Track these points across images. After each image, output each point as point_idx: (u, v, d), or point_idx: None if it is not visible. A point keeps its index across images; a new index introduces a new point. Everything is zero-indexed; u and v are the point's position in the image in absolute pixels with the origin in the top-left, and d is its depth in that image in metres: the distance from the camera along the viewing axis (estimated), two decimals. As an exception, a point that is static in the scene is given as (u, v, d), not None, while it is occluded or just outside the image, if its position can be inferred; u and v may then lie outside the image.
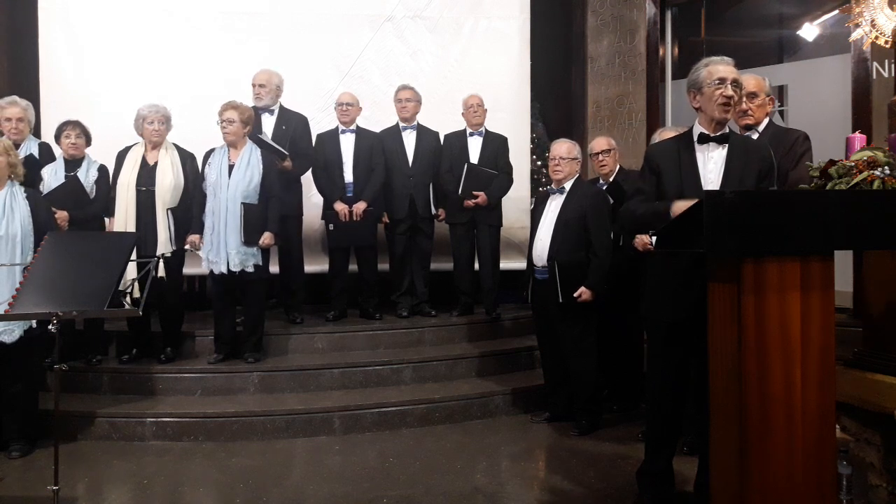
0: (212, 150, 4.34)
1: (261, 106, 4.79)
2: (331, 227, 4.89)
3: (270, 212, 4.28)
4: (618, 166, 4.25)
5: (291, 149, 4.73)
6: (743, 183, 2.59)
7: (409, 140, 5.08)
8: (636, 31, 5.89)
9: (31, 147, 4.27)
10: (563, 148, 3.94)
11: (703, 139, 2.66)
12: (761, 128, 3.35)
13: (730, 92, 2.59)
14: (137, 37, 5.42)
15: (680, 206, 2.47)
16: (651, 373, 2.88)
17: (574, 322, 3.86)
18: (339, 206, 4.82)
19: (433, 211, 5.15)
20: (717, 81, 2.59)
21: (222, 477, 3.37)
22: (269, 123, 4.82)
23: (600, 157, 4.22)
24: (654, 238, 3.05)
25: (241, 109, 4.25)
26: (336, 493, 3.15)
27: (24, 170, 3.65)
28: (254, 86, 4.78)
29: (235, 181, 4.17)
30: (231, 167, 4.21)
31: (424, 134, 5.12)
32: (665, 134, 3.70)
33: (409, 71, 5.64)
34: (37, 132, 5.05)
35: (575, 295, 3.77)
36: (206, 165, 4.29)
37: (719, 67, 2.61)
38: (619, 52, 5.93)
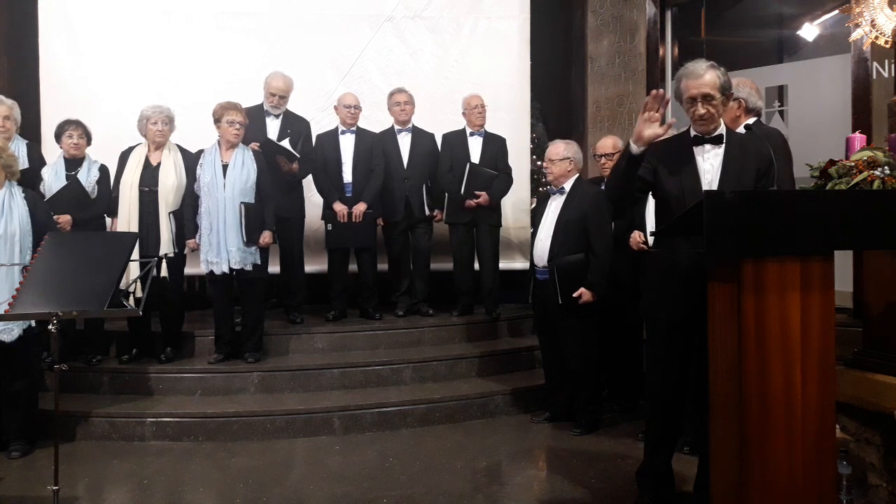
0: (201, 151, 4.35)
1: (273, 112, 4.81)
2: (329, 227, 4.89)
3: (267, 211, 4.30)
4: None
5: (298, 152, 4.74)
6: (741, 182, 2.58)
7: (405, 142, 5.08)
8: (636, 31, 5.89)
9: (19, 147, 4.23)
10: (551, 150, 3.99)
11: (698, 141, 2.66)
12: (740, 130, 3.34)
13: (701, 111, 2.57)
14: (138, 37, 5.42)
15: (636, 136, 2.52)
16: (651, 372, 2.87)
17: (575, 322, 3.86)
18: (339, 207, 4.82)
19: (427, 212, 5.14)
20: (688, 101, 2.59)
21: (222, 477, 3.37)
22: (273, 127, 4.82)
23: (602, 160, 4.22)
24: (651, 238, 3.06)
25: (243, 111, 4.31)
26: (336, 493, 3.15)
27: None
28: (273, 95, 4.76)
29: (232, 181, 4.18)
30: (225, 167, 4.21)
31: (419, 136, 5.13)
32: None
33: (409, 71, 5.64)
34: (37, 132, 5.07)
35: (575, 295, 3.77)
36: (198, 166, 4.28)
37: (690, 83, 2.58)
38: (619, 52, 5.92)
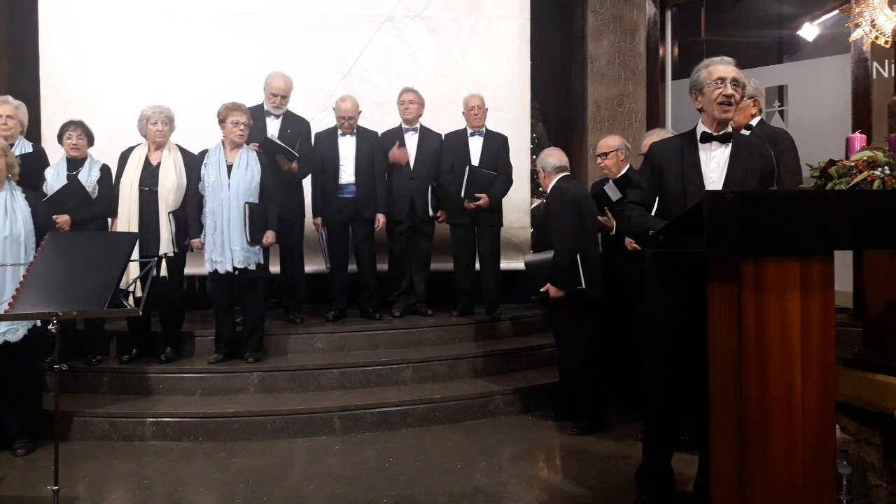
0: (205, 151, 4.35)
1: (275, 113, 4.82)
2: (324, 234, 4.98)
3: (270, 211, 4.32)
4: (627, 166, 4.22)
5: (297, 152, 4.74)
6: (746, 183, 2.58)
7: (412, 142, 5.08)
8: (636, 31, 5.89)
9: (24, 148, 4.25)
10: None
11: (706, 138, 2.66)
12: (746, 131, 3.37)
13: (729, 91, 2.59)
14: (138, 37, 5.43)
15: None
16: (651, 372, 2.87)
17: (564, 318, 3.92)
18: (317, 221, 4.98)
19: (431, 213, 5.14)
20: (716, 81, 2.60)
21: (222, 477, 3.37)
22: (273, 126, 4.82)
23: (598, 160, 4.26)
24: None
25: (247, 112, 4.32)
26: (336, 493, 3.15)
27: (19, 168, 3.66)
28: (275, 96, 4.77)
29: (236, 180, 4.19)
30: (230, 167, 4.22)
31: (427, 136, 5.12)
32: (652, 138, 3.70)
33: (409, 71, 5.65)
34: (37, 133, 5.07)
35: (542, 291, 3.85)
36: (202, 166, 4.29)
37: (719, 67, 2.63)
38: (619, 52, 5.93)
